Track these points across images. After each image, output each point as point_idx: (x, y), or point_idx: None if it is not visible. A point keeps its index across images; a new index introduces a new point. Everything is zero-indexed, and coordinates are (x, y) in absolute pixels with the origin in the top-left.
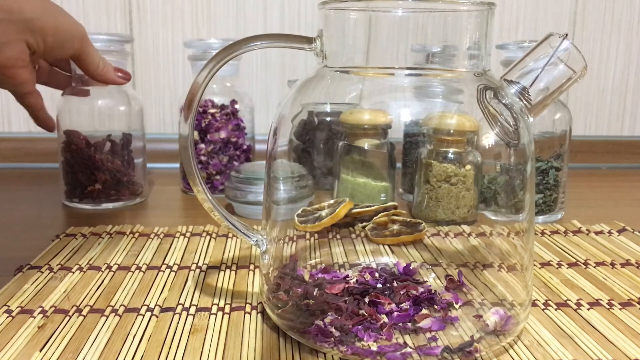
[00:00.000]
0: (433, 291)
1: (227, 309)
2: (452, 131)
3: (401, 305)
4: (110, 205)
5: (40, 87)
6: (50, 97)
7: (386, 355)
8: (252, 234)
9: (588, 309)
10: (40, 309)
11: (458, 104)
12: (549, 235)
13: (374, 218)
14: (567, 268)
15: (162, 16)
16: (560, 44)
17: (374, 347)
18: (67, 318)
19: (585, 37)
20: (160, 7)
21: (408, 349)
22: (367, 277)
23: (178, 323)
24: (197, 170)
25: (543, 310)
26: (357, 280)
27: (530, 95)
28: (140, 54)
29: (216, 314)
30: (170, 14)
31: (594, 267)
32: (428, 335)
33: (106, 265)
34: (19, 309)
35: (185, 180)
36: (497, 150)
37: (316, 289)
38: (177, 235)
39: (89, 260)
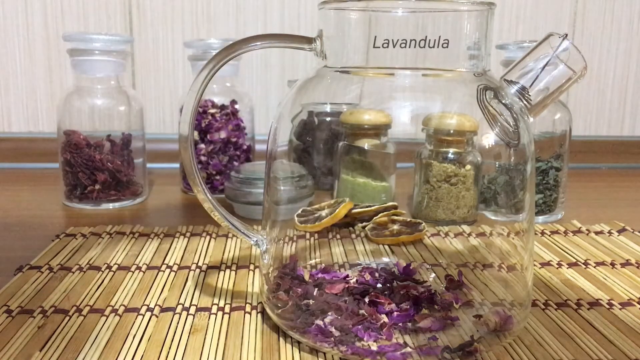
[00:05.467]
0: (433, 291)
1: (227, 309)
2: (452, 131)
3: (401, 305)
4: (110, 205)
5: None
6: (50, 97)
7: (386, 355)
8: (252, 234)
9: (588, 309)
10: (40, 309)
11: (458, 104)
12: (549, 235)
13: (374, 218)
14: (567, 268)
15: (162, 16)
16: (560, 44)
17: (374, 347)
18: (67, 318)
19: (585, 37)
20: (160, 7)
21: (408, 349)
22: (367, 277)
23: (178, 323)
24: (197, 170)
25: (543, 310)
26: (357, 280)
27: (530, 95)
28: (140, 54)
29: (216, 314)
30: (170, 14)
31: (594, 267)
32: (428, 335)
33: (106, 265)
34: (19, 309)
35: (185, 180)
36: (497, 150)
37: (316, 289)
38: (177, 235)
39: (89, 260)
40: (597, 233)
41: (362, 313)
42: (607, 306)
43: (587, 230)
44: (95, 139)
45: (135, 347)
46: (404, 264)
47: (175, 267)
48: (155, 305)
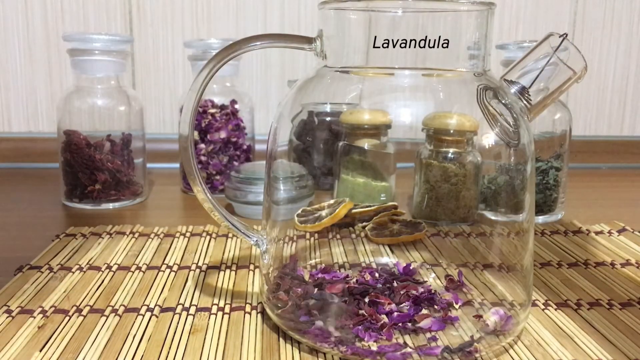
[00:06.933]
0: (433, 291)
1: (227, 309)
2: (452, 131)
3: (401, 305)
4: (110, 205)
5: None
6: (50, 97)
7: (386, 355)
8: (252, 234)
9: (588, 309)
10: (40, 309)
11: (458, 104)
12: (549, 235)
13: (374, 218)
14: (567, 268)
15: (162, 16)
16: (560, 44)
17: (374, 347)
18: (67, 318)
19: (585, 37)
20: (160, 7)
21: (408, 349)
22: (367, 277)
23: (178, 323)
24: (197, 170)
25: (543, 310)
26: (357, 280)
27: (530, 95)
28: (140, 54)
29: (216, 314)
30: (170, 14)
31: (594, 267)
32: (428, 335)
33: (106, 265)
34: (19, 309)
35: (185, 180)
36: (497, 150)
37: (316, 289)
38: (177, 235)
39: (89, 260)
40: (597, 233)
41: (362, 313)
42: (607, 306)
43: (587, 230)
44: (95, 139)
45: (135, 347)
46: (404, 264)
47: (175, 267)
48: (155, 305)
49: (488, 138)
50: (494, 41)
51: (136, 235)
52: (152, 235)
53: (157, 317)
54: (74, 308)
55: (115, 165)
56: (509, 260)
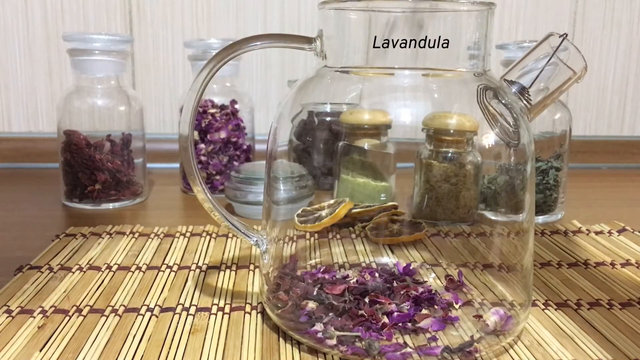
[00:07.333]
0: (433, 291)
1: (227, 309)
2: (452, 131)
3: (401, 305)
4: (110, 205)
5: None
6: (50, 97)
7: (386, 355)
8: (252, 234)
9: (588, 309)
10: (40, 309)
11: (458, 104)
12: (549, 235)
13: (374, 218)
14: (567, 268)
15: (162, 16)
16: (560, 44)
17: None
18: (67, 318)
19: (585, 37)
20: (160, 7)
21: (408, 349)
22: (367, 277)
23: (178, 323)
24: (197, 170)
25: (543, 310)
26: (357, 280)
27: (530, 95)
28: (140, 54)
29: (216, 314)
30: (170, 14)
31: (594, 267)
32: (428, 335)
33: (106, 265)
34: (19, 309)
35: (185, 180)
36: (497, 150)
37: (316, 289)
38: (177, 235)
39: (89, 260)
40: (597, 233)
41: (362, 313)
42: (607, 306)
43: (587, 230)
44: (95, 139)
45: (135, 347)
46: (404, 264)
47: (175, 267)
48: (155, 305)
49: (488, 138)
50: (494, 41)
51: (136, 235)
52: (152, 235)
53: (157, 317)
54: (74, 308)
55: (115, 165)
56: (509, 260)
